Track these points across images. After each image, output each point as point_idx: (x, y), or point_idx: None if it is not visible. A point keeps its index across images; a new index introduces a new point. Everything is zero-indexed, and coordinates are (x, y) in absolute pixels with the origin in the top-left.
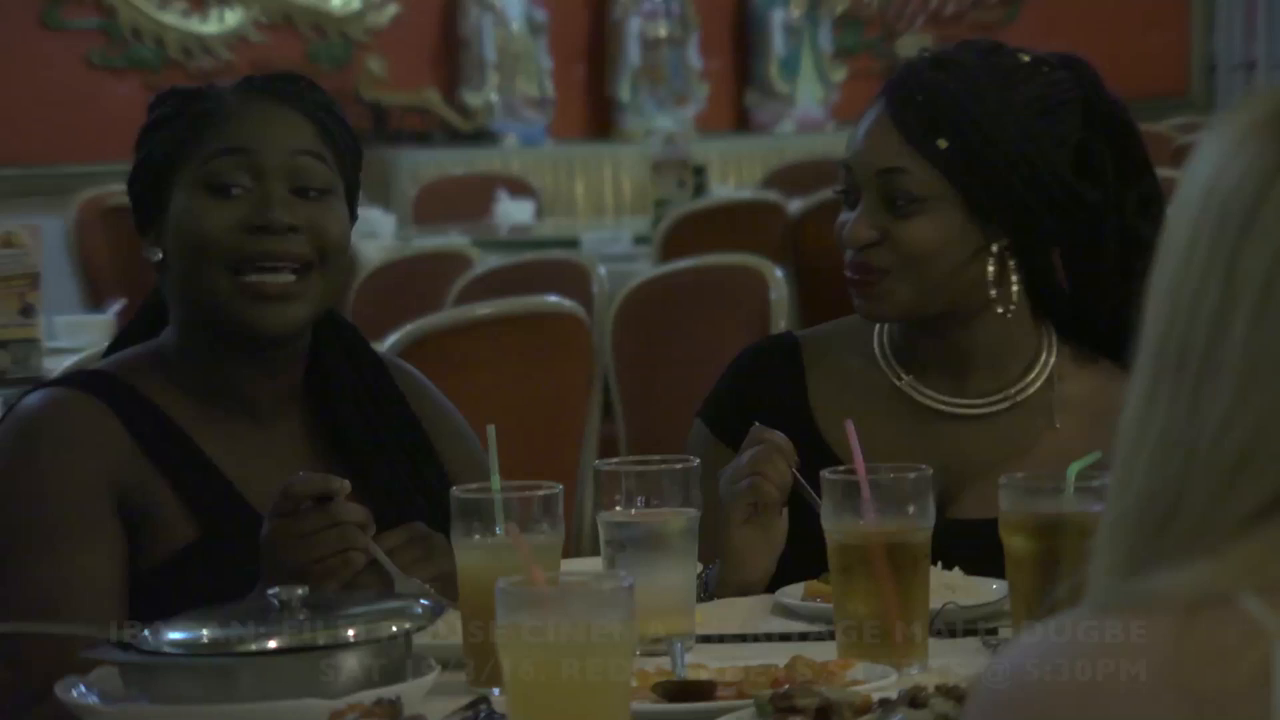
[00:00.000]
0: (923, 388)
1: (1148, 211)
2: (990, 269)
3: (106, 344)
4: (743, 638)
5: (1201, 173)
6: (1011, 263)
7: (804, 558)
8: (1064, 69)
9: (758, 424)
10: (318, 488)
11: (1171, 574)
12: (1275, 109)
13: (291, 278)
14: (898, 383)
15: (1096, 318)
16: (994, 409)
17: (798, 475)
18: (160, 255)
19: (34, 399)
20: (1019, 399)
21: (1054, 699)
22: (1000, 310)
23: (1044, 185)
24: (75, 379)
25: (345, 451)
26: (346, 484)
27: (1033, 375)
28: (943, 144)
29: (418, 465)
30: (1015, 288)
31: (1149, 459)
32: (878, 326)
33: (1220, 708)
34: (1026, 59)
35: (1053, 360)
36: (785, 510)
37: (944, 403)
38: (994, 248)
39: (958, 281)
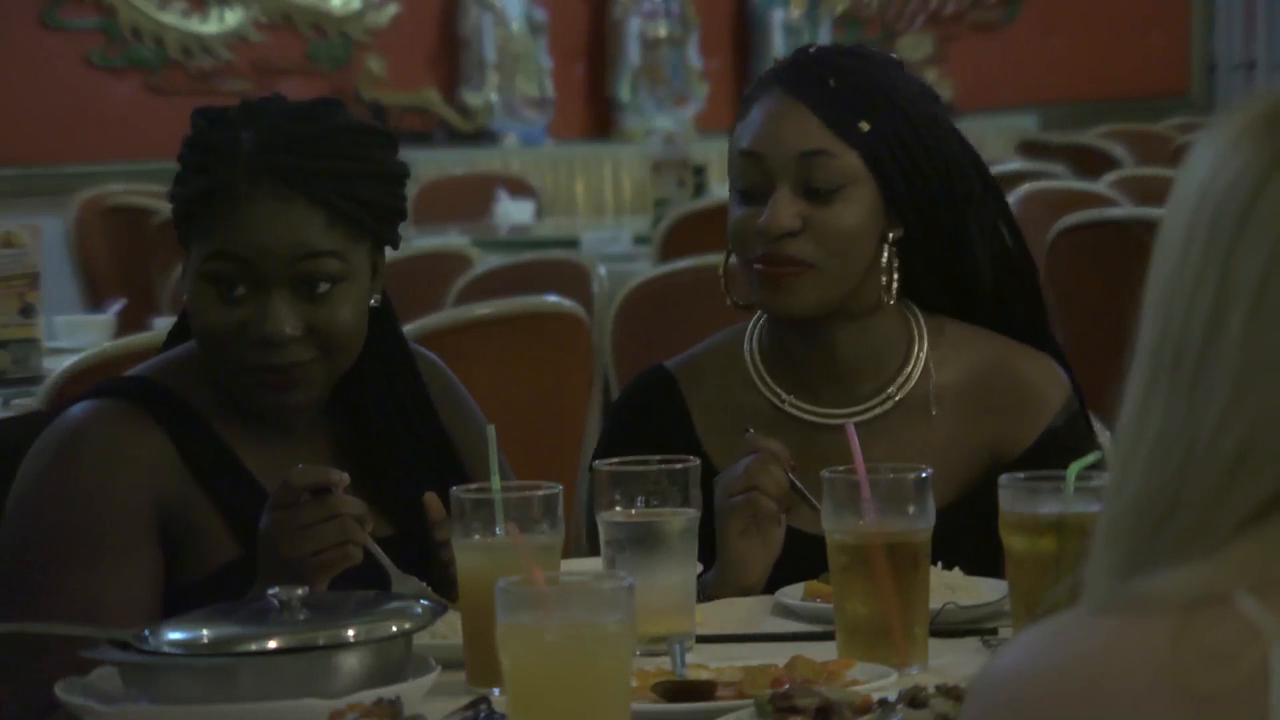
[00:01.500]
0: (806, 405)
1: (1000, 207)
2: (883, 259)
3: (104, 344)
4: (743, 638)
5: (1196, 174)
6: (893, 252)
7: (802, 559)
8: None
9: (752, 431)
10: (317, 480)
11: (1169, 574)
12: (1269, 110)
13: (296, 373)
14: (779, 404)
15: (972, 300)
16: (878, 410)
17: (794, 480)
18: (185, 301)
19: (80, 411)
20: (899, 397)
21: (1052, 699)
22: (886, 303)
23: (947, 168)
24: (119, 388)
25: (372, 464)
26: (345, 476)
27: (909, 368)
28: (865, 126)
29: (444, 478)
30: (896, 279)
31: (1146, 459)
32: (747, 346)
33: (1218, 708)
34: (896, 57)
35: (925, 348)
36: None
37: (829, 416)
38: (890, 236)
39: (862, 274)
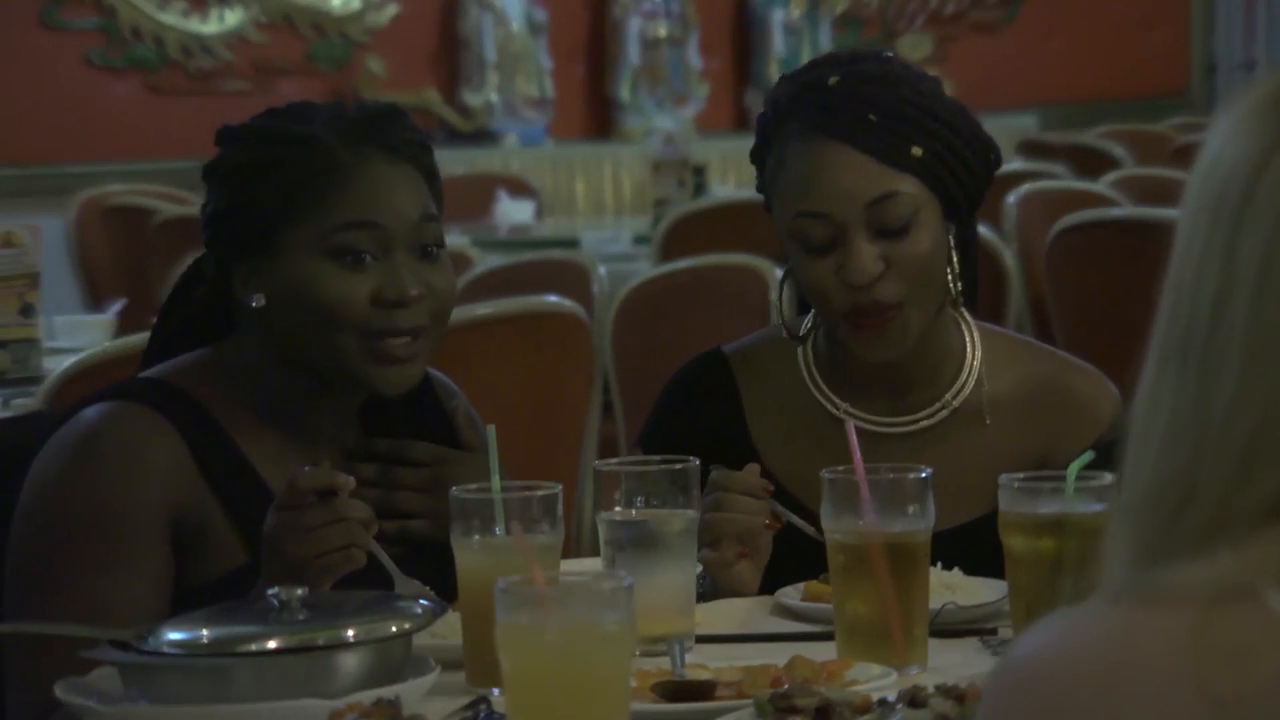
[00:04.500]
0: (863, 414)
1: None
2: (954, 261)
3: (104, 344)
4: (743, 638)
5: (1204, 159)
6: (954, 251)
7: (802, 559)
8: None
9: (715, 471)
10: (323, 483)
11: (1191, 565)
12: (1273, 91)
13: (411, 339)
14: (835, 412)
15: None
16: (933, 420)
17: (776, 506)
18: (262, 302)
19: (96, 412)
20: (955, 405)
21: (1069, 684)
22: (952, 302)
23: (988, 153)
24: (136, 390)
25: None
26: (352, 480)
27: (964, 377)
28: (918, 152)
29: None
30: (959, 276)
31: (1159, 447)
32: (802, 348)
33: (1240, 708)
34: (890, 55)
35: (979, 356)
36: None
37: (886, 424)
38: (951, 240)
39: (941, 286)
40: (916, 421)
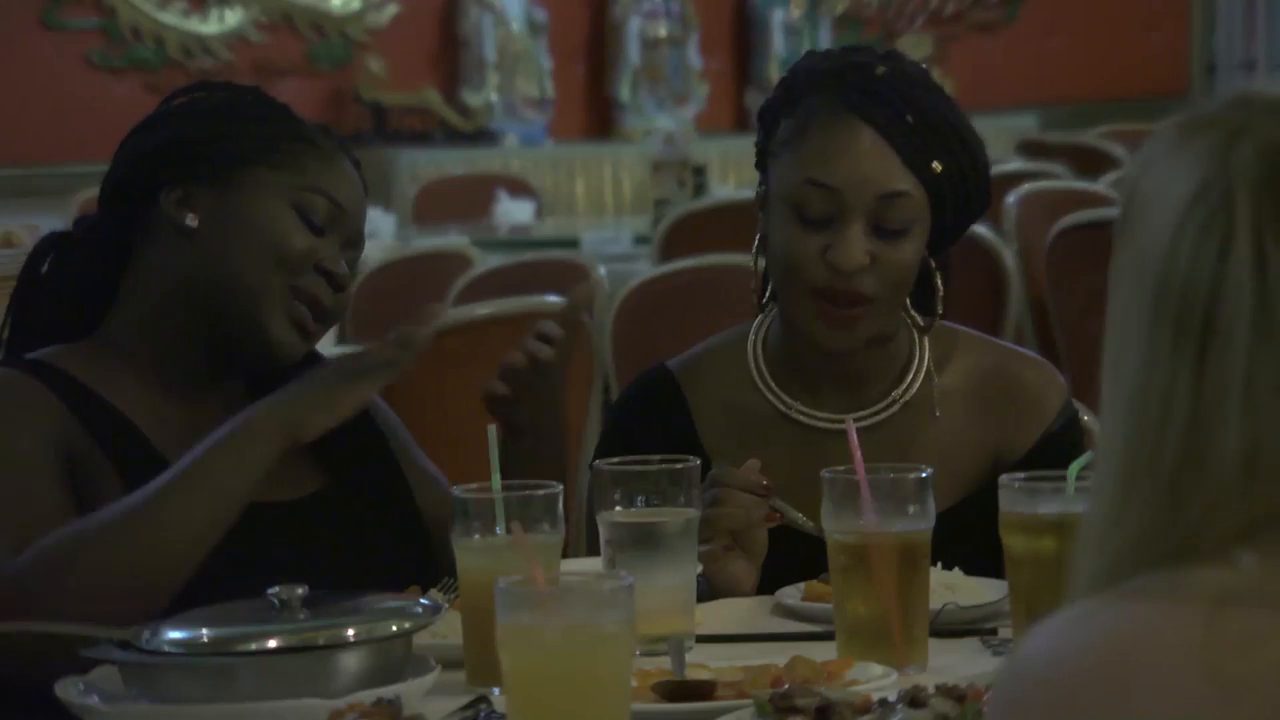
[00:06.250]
0: (813, 411)
1: None
2: (932, 279)
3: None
4: (743, 638)
5: (1150, 243)
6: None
7: (802, 559)
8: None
9: (715, 470)
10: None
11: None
12: (1206, 175)
13: (321, 319)
14: (785, 410)
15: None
16: (883, 415)
17: (777, 502)
18: (194, 222)
19: None
20: (904, 399)
21: (1082, 678)
22: (928, 321)
23: (983, 200)
24: (10, 363)
25: None
26: (437, 319)
27: (912, 374)
28: (938, 167)
29: (356, 428)
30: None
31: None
32: (751, 348)
33: (1247, 692)
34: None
35: (928, 352)
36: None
37: (835, 419)
38: (932, 262)
39: (903, 300)
40: (867, 417)
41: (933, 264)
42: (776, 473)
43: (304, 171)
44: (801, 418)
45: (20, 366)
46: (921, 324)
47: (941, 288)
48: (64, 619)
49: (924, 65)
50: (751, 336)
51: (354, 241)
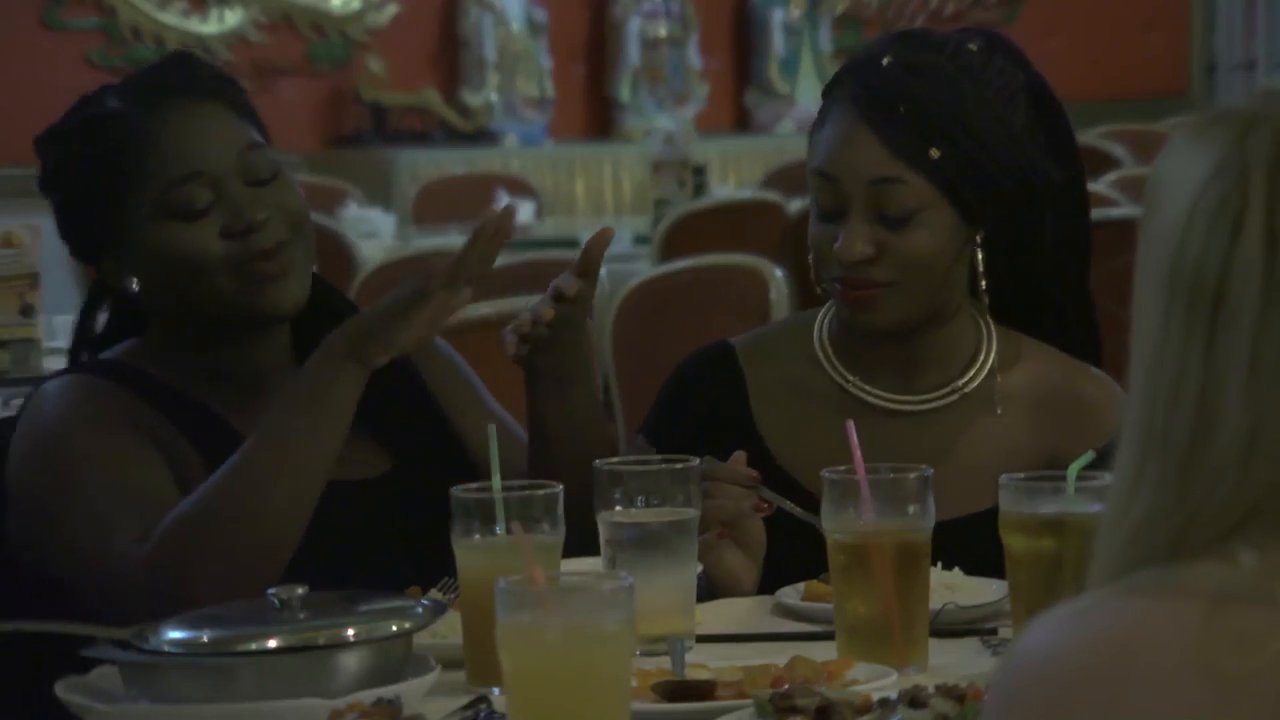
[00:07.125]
0: (870, 388)
1: (1076, 191)
2: (979, 263)
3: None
4: (743, 638)
5: (1166, 225)
6: (978, 254)
7: (802, 558)
8: (998, 51)
9: (702, 464)
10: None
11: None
12: (1222, 157)
13: (276, 256)
14: (844, 384)
15: (1029, 301)
16: (940, 403)
17: (765, 491)
18: (135, 285)
19: (55, 384)
20: (965, 390)
21: (1079, 674)
22: (973, 303)
23: (1025, 177)
24: (86, 368)
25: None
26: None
27: (976, 368)
28: (935, 154)
29: (417, 413)
30: (984, 280)
31: (1137, 530)
32: (817, 328)
33: (1243, 688)
34: (974, 48)
35: (993, 352)
36: (760, 513)
37: (892, 401)
38: (977, 239)
39: (946, 284)
40: (924, 403)
41: (979, 252)
42: (828, 445)
43: (147, 179)
44: (860, 394)
45: (95, 371)
46: (989, 324)
47: (982, 271)
48: (201, 596)
49: (973, 47)
50: (819, 317)
51: (247, 169)
